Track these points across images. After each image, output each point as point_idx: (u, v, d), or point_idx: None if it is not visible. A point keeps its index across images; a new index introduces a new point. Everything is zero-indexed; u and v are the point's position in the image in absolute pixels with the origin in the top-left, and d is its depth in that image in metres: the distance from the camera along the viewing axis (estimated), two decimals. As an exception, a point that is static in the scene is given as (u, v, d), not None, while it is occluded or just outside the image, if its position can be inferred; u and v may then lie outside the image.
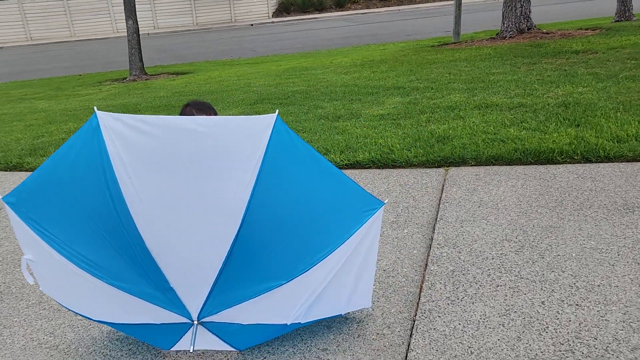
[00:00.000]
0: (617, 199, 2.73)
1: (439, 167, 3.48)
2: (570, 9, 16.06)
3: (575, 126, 3.72)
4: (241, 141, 1.59)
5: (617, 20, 10.87)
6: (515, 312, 1.96)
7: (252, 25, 24.51)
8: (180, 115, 2.12)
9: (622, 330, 1.79)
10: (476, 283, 2.16)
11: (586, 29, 9.21)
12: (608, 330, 1.79)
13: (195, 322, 1.73)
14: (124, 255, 1.61)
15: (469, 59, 7.20)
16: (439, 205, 2.92)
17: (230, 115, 5.42)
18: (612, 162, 3.18)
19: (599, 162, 3.20)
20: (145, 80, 10.62)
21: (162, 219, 1.57)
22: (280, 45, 16.68)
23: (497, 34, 9.37)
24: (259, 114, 5.37)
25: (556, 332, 1.82)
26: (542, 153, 3.33)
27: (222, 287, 1.65)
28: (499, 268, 2.25)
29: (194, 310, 1.71)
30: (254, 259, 1.63)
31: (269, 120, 1.61)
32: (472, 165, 3.42)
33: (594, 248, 2.31)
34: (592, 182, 2.95)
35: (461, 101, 4.81)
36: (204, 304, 1.68)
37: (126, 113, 6.44)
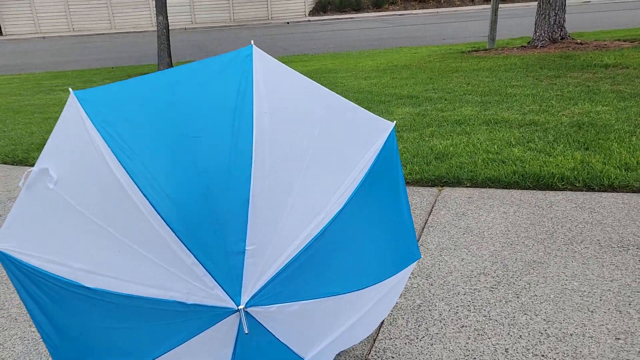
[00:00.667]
0: (613, 234, 2.53)
1: (432, 186, 3.33)
2: (616, 17, 15.38)
3: (584, 149, 3.50)
4: (364, 132, 1.58)
5: (662, 31, 10.33)
6: (475, 358, 1.82)
7: (288, 23, 24.54)
8: None
9: (583, 390, 1.63)
10: (440, 321, 2.03)
11: (624, 40, 8.77)
12: (568, 389, 1.64)
13: (242, 308, 1.30)
14: (211, 198, 1.29)
15: (493, 69, 6.95)
16: (423, 229, 2.78)
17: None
18: (616, 191, 2.97)
19: (602, 191, 2.99)
20: (172, 76, 10.76)
21: (277, 170, 1.36)
22: (313, 44, 16.64)
23: (528, 43, 9.02)
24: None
25: (513, 385, 1.68)
26: (542, 178, 3.14)
27: (291, 272, 1.36)
28: (468, 305, 2.10)
29: (249, 291, 1.31)
30: (333, 252, 1.43)
31: (388, 125, 1.64)
32: (467, 187, 3.25)
33: (576, 290, 2.14)
34: (590, 213, 2.75)
35: (471, 115, 4.62)
36: (263, 287, 1.33)
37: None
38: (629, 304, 2.02)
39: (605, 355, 1.77)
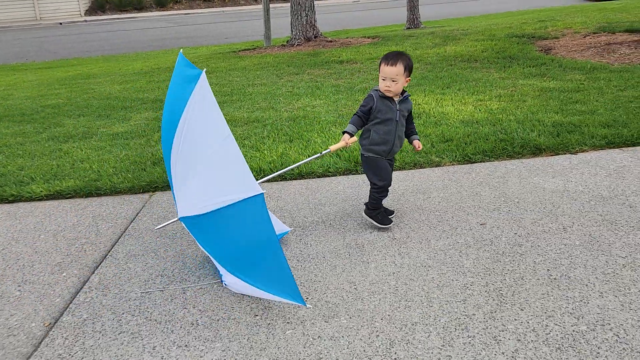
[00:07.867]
0: (290, 220, 2.82)
1: (144, 192, 3.33)
2: (375, 16, 17.31)
3: (288, 142, 3.85)
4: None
5: (408, 28, 11.96)
6: (121, 363, 1.86)
7: (61, 24, 22.37)
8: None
9: None
10: (100, 332, 2.03)
11: (368, 37, 9.91)
12: None
13: None
14: None
15: (247, 68, 7.25)
16: (119, 238, 2.76)
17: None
18: (304, 179, 3.33)
19: (293, 179, 3.33)
20: None
21: None
22: (87, 47, 15.47)
23: (287, 42, 9.64)
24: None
25: (148, 381, 1.75)
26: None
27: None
28: (134, 310, 2.15)
29: None
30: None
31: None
32: (177, 189, 3.33)
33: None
34: (277, 201, 3.04)
35: (205, 116, 4.75)
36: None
37: None
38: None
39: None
